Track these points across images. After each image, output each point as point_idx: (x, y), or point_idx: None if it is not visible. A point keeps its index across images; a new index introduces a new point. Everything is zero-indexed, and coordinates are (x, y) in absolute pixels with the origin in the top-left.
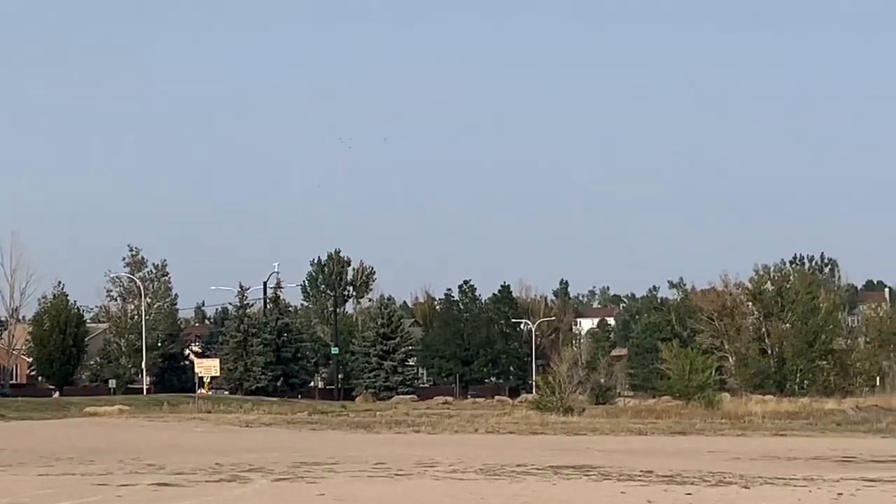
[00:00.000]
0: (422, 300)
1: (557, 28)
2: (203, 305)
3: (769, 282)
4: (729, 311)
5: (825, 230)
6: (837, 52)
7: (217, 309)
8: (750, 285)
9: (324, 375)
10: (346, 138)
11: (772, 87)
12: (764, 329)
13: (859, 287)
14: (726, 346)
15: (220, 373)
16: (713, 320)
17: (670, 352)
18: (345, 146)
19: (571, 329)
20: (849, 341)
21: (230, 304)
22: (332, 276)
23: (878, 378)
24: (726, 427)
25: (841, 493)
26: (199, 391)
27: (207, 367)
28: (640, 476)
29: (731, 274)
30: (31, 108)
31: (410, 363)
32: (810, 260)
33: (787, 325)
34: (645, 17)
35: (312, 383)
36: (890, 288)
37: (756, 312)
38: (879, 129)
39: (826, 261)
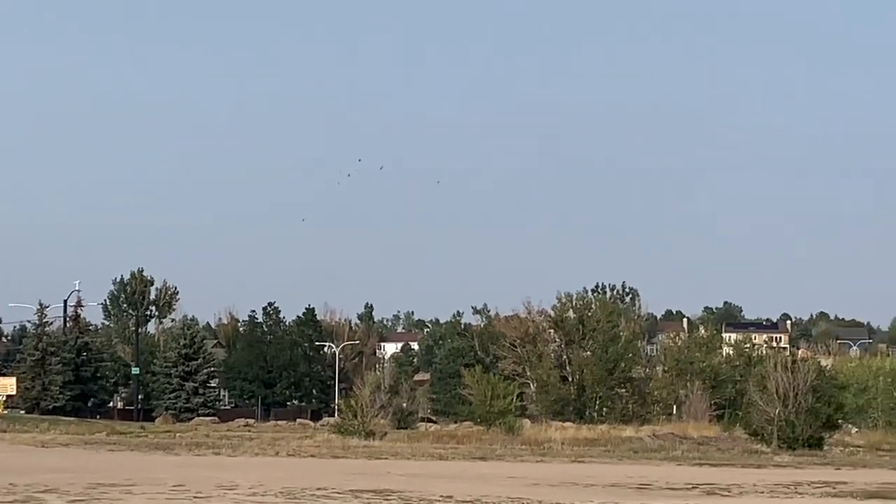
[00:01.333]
0: (225, 321)
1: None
2: (0, 322)
3: (571, 309)
4: (531, 338)
5: (627, 260)
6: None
7: (15, 326)
8: (552, 313)
9: (124, 396)
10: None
11: (560, 118)
12: (565, 356)
13: (658, 316)
14: (528, 373)
15: (17, 391)
16: (516, 347)
17: (473, 377)
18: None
19: (375, 353)
20: (647, 370)
21: (29, 321)
22: (134, 296)
23: (674, 406)
24: (526, 453)
25: None
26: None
27: (3, 386)
28: (439, 501)
29: (534, 301)
30: None
31: (212, 385)
32: (612, 289)
33: (588, 352)
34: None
35: (112, 403)
36: (688, 318)
37: (558, 340)
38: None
39: (627, 290)
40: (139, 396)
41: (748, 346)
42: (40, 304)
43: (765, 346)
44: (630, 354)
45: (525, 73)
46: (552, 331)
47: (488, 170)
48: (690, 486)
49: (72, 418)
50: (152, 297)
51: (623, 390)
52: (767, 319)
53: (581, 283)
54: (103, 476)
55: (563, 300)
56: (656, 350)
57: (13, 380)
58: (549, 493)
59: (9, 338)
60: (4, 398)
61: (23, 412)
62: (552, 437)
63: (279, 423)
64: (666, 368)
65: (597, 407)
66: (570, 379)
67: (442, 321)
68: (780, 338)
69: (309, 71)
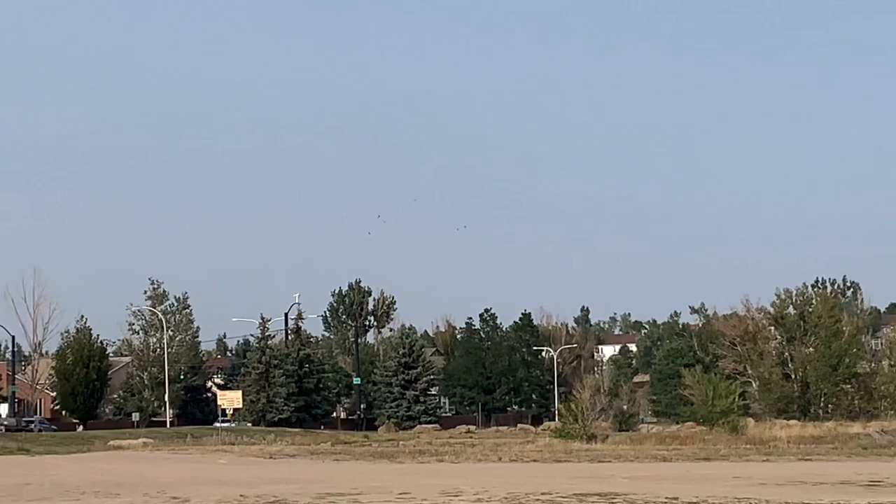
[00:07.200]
0: (443, 329)
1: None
2: (225, 337)
3: (791, 306)
4: (751, 336)
5: (847, 253)
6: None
7: (239, 341)
8: (772, 310)
9: (346, 406)
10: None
11: (779, 107)
12: (787, 353)
13: (882, 310)
14: (749, 371)
15: (243, 404)
16: (735, 345)
17: (693, 377)
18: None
19: (593, 356)
20: (873, 364)
21: (252, 335)
22: (353, 307)
23: None
24: (751, 452)
25: None
26: (221, 423)
27: (230, 399)
28: (665, 502)
29: (752, 298)
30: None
31: (432, 392)
32: (832, 283)
33: (811, 349)
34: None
35: (335, 414)
36: None
37: (778, 337)
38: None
39: (848, 284)
40: (361, 406)
41: None
42: (262, 318)
43: None
44: (854, 349)
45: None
46: (772, 328)
47: (703, 166)
48: None
49: (297, 429)
50: (370, 307)
51: (848, 386)
52: None
53: (800, 278)
54: (330, 486)
55: (783, 296)
56: (881, 344)
57: (239, 393)
58: (777, 492)
59: (233, 352)
60: (232, 411)
61: (249, 424)
62: (777, 435)
63: (500, 428)
64: (892, 363)
65: (822, 404)
66: (792, 376)
67: (659, 322)
68: None
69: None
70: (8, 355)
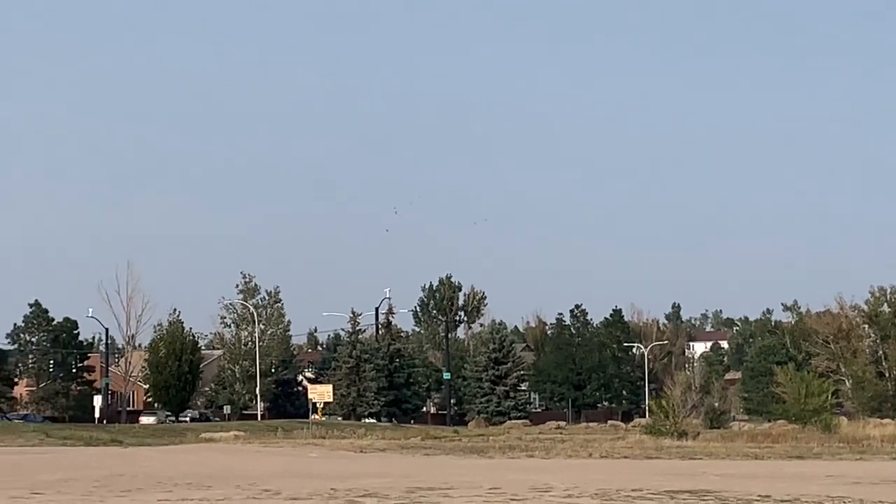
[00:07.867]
0: (533, 324)
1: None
2: (315, 331)
3: (886, 303)
4: (845, 334)
5: None
6: None
7: (329, 335)
8: (866, 307)
9: (436, 400)
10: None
11: (866, 103)
12: (881, 352)
13: None
14: (842, 370)
15: (333, 398)
16: (829, 343)
17: (786, 375)
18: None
19: (684, 353)
20: None
21: (342, 329)
22: (443, 302)
23: None
24: (844, 451)
25: None
26: (312, 417)
27: (321, 393)
28: (757, 500)
29: (846, 296)
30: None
31: (522, 388)
32: None
33: None
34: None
35: (425, 408)
36: None
37: (872, 335)
38: None
39: None
40: (451, 401)
41: None
42: (353, 313)
43: None
44: None
45: None
46: (866, 326)
47: (796, 165)
48: None
49: (387, 423)
50: (461, 302)
51: None
52: None
53: (895, 275)
54: (421, 480)
55: (877, 294)
56: None
57: (330, 387)
58: (871, 491)
59: (324, 346)
60: (322, 405)
61: (340, 418)
62: (870, 434)
63: (590, 424)
64: None
65: None
66: (886, 375)
67: (751, 319)
68: None
69: None
70: (102, 348)
